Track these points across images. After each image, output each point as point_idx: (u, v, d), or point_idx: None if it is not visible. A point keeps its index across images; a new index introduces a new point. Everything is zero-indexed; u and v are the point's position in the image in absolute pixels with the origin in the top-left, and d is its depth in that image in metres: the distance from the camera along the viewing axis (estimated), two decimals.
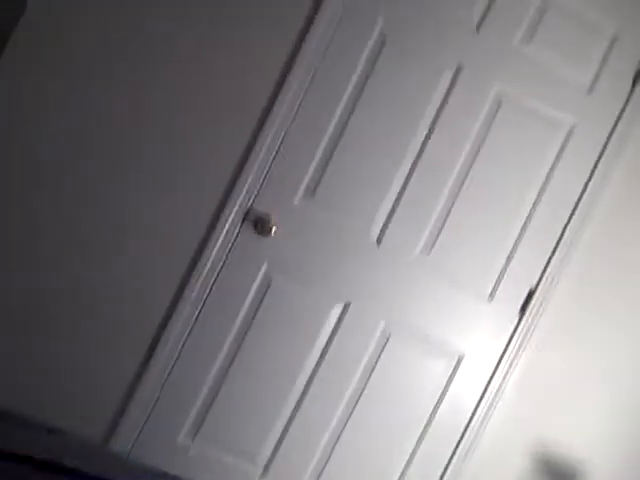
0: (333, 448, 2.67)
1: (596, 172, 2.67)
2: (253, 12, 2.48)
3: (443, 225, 2.64)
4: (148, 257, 2.50)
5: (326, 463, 2.67)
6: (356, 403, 2.66)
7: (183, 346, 2.55)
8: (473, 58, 2.59)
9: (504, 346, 2.70)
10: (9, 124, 2.39)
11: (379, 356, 2.66)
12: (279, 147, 2.54)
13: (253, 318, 2.59)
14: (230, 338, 2.59)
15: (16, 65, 2.37)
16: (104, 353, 2.52)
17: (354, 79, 2.56)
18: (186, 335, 2.55)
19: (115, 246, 2.49)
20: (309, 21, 2.49)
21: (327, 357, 2.63)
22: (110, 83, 2.44)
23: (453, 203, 2.64)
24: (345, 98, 2.56)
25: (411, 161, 2.61)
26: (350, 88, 2.56)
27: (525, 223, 2.67)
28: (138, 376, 2.53)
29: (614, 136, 2.66)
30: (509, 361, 2.69)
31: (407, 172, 2.61)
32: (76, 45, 2.40)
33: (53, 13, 2.37)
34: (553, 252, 2.68)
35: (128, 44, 2.43)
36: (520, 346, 2.68)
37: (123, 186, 2.48)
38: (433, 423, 2.70)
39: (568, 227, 2.68)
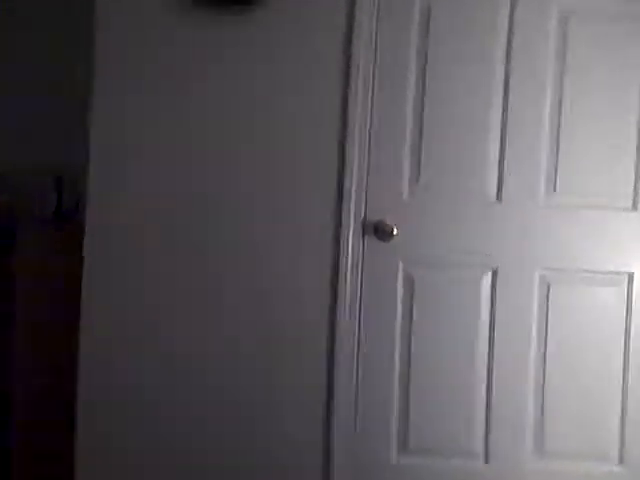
0: (542, 414, 2.59)
1: None
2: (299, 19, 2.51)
3: (557, 156, 2.55)
4: (290, 298, 2.54)
5: (542, 432, 2.59)
6: (544, 363, 2.58)
7: (357, 370, 2.57)
8: None
9: None
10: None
11: (547, 308, 2.57)
12: (368, 152, 2.53)
13: (411, 318, 2.57)
14: (397, 346, 2.58)
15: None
16: (287, 404, 2.57)
17: (413, 53, 2.52)
18: (355, 360, 2.56)
19: (262, 297, 2.55)
20: (350, 21, 2.49)
21: (497, 328, 2.57)
22: (205, 103, 2.50)
23: (558, 130, 2.55)
24: (412, 74, 2.53)
25: (500, 108, 2.54)
26: (413, 63, 2.52)
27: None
28: (327, 413, 2.56)
29: None
30: None
31: (500, 121, 2.54)
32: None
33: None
34: None
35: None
36: None
37: (246, 231, 2.54)
38: (631, 348, 2.57)
39: None
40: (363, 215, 2.55)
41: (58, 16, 3.07)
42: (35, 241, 2.78)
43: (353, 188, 2.52)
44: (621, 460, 2.60)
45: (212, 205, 2.51)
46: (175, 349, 2.51)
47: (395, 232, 2.53)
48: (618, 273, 2.57)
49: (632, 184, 2.56)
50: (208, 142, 2.50)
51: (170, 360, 2.51)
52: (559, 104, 2.54)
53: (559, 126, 2.55)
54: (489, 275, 2.57)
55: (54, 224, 2.93)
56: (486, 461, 2.60)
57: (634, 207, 2.56)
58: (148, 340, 2.50)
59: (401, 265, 2.57)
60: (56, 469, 2.71)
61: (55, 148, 2.99)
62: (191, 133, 2.49)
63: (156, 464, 2.51)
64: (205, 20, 2.47)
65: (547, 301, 2.57)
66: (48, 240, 2.80)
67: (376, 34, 2.51)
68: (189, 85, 2.48)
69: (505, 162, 2.55)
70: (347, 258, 2.53)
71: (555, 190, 2.56)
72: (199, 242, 2.51)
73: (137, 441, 2.50)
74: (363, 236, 2.55)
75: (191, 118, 2.49)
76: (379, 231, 2.54)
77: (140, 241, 2.48)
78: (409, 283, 2.57)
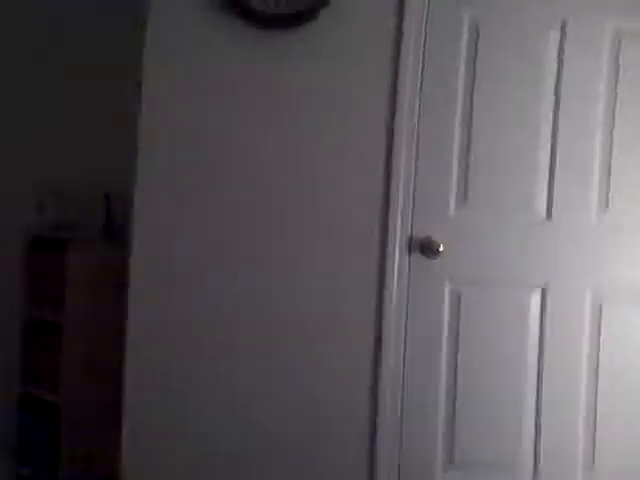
0: (594, 432, 2.54)
1: None
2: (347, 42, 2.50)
3: (609, 172, 2.50)
4: (336, 314, 2.54)
5: (593, 448, 2.54)
6: (596, 381, 2.53)
7: (404, 387, 2.54)
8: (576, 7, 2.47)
9: None
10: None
11: (599, 328, 2.52)
12: (415, 168, 2.51)
13: (457, 336, 2.54)
14: (444, 364, 2.54)
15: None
16: (332, 420, 2.56)
17: (462, 73, 2.49)
18: (402, 376, 2.54)
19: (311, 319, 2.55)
20: (397, 44, 2.47)
21: (546, 346, 2.53)
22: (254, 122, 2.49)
23: (610, 151, 2.51)
24: (460, 95, 2.50)
25: (550, 124, 2.50)
26: (461, 83, 2.50)
27: None
28: (373, 429, 2.54)
29: None
30: None
31: (550, 139, 2.50)
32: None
33: None
34: None
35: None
36: None
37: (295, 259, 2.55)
38: None
39: None
40: (410, 234, 2.52)
41: (109, 32, 3.11)
42: (84, 256, 2.84)
43: (399, 206, 2.49)
44: None
45: (258, 221, 2.52)
46: (218, 360, 2.53)
47: (441, 249, 2.50)
48: None
49: None
50: (257, 159, 2.51)
51: (213, 364, 2.52)
52: (612, 118, 2.49)
53: (611, 141, 2.50)
54: (538, 293, 2.53)
55: (103, 239, 2.97)
56: (534, 478, 2.55)
57: None
58: (192, 352, 2.52)
59: (447, 283, 2.54)
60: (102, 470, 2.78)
61: (106, 164, 3.03)
62: (237, 152, 2.50)
63: (201, 466, 2.52)
64: (253, 37, 2.48)
65: (600, 320, 2.52)
66: (97, 255, 2.86)
67: (424, 49, 2.48)
68: (239, 102, 2.49)
69: (555, 179, 2.51)
70: (393, 279, 2.50)
71: (607, 207, 2.51)
72: (245, 261, 2.52)
73: (183, 444, 2.51)
74: (409, 256, 2.53)
75: (239, 140, 2.50)
76: (425, 249, 2.51)
77: (187, 263, 2.50)
78: (456, 301, 2.54)
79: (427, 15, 2.48)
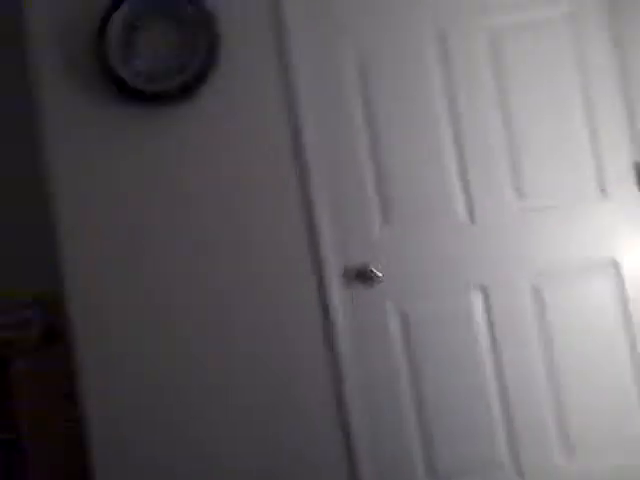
0: (563, 410, 2.59)
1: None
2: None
3: (519, 166, 2.59)
4: (287, 362, 2.54)
5: (568, 432, 2.60)
6: (552, 364, 2.59)
7: (372, 410, 2.56)
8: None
9: None
10: None
11: (543, 311, 2.59)
12: (334, 203, 2.55)
13: (413, 355, 2.56)
14: (406, 379, 2.57)
15: None
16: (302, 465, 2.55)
17: (358, 101, 2.56)
18: (365, 409, 2.56)
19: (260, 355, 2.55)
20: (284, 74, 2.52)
21: (499, 344, 2.57)
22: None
23: (513, 143, 2.59)
24: (359, 119, 2.56)
25: (451, 134, 2.58)
26: (358, 109, 2.56)
27: (588, 115, 2.59)
28: (350, 462, 2.54)
29: None
30: None
31: (455, 147, 2.58)
32: None
33: None
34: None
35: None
36: None
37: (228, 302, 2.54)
38: (633, 333, 2.59)
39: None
40: (343, 266, 2.55)
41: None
42: (28, 365, 2.77)
43: (325, 241, 2.52)
44: None
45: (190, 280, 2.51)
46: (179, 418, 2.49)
47: (378, 273, 2.53)
48: (605, 263, 2.59)
49: (595, 174, 2.59)
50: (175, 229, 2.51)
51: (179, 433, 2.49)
52: (509, 119, 2.59)
53: (513, 137, 2.58)
54: (479, 294, 2.58)
55: (44, 345, 2.91)
56: (518, 473, 2.59)
57: (603, 195, 2.59)
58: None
59: (391, 304, 2.57)
60: None
61: (36, 272, 2.99)
62: (157, 222, 2.50)
63: None
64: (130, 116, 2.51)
65: (543, 307, 2.59)
66: (40, 362, 2.79)
67: (316, 82, 2.54)
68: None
69: (470, 184, 2.57)
70: (337, 314, 2.52)
71: (524, 196, 2.59)
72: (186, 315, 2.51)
73: None
74: (350, 286, 2.55)
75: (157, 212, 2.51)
76: (362, 277, 2.54)
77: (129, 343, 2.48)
78: (403, 320, 2.57)
79: (313, 51, 2.54)
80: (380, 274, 2.53)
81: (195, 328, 2.50)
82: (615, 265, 2.59)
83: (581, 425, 2.59)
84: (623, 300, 2.59)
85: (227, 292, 2.51)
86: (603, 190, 2.59)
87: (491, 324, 2.58)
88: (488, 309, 2.58)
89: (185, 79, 2.43)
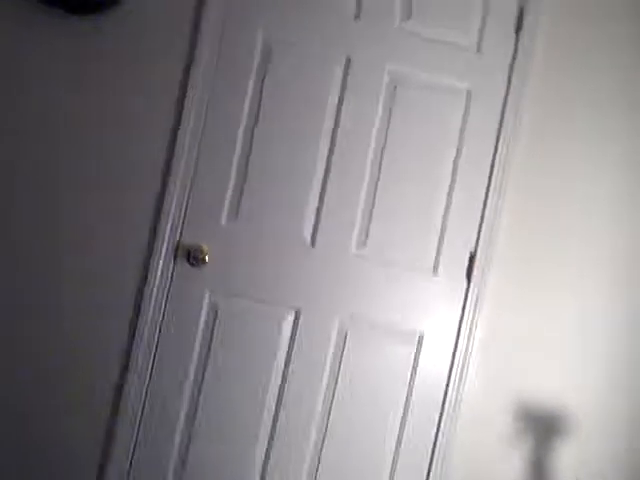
0: (320, 455, 2.68)
1: (502, 130, 2.70)
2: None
3: (371, 214, 2.67)
4: (92, 309, 2.50)
5: (316, 473, 2.69)
6: (331, 406, 2.68)
7: (146, 395, 2.56)
8: (359, 47, 2.63)
9: (460, 314, 2.73)
10: None
11: (342, 354, 2.68)
12: (192, 178, 2.56)
13: (209, 349, 2.60)
14: (191, 374, 2.60)
15: None
16: (68, 419, 2.51)
17: (249, 95, 2.59)
18: (146, 383, 2.55)
19: (55, 304, 2.49)
20: (192, 51, 2.53)
21: (292, 367, 2.65)
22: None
23: (375, 190, 2.67)
24: (245, 115, 2.59)
25: (324, 160, 2.64)
26: (247, 105, 2.59)
27: (449, 193, 2.70)
28: (109, 435, 2.52)
29: (511, 89, 2.69)
30: (468, 327, 2.71)
31: (323, 171, 2.64)
32: None
33: None
34: (482, 214, 2.72)
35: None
36: (475, 310, 2.71)
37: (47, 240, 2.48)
38: (411, 406, 2.72)
39: (491, 188, 2.70)
40: (178, 239, 2.56)
41: None
42: None
43: (172, 211, 2.53)
44: None
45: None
46: None
47: (207, 259, 2.55)
48: (411, 332, 2.71)
49: (434, 251, 2.72)
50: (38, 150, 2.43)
51: None
52: (378, 167, 2.66)
53: (375, 188, 2.67)
54: (292, 315, 2.65)
55: None
56: None
57: (434, 273, 2.72)
58: None
59: (208, 294, 2.59)
60: None
61: None
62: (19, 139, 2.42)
63: None
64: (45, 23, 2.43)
65: (343, 346, 2.68)
66: None
67: (217, 63, 2.56)
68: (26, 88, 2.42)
69: (323, 210, 2.64)
70: (155, 282, 2.53)
71: (365, 246, 2.68)
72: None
73: None
74: (175, 261, 2.56)
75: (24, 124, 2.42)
76: (191, 257, 2.55)
77: None
78: (213, 313, 2.60)
79: (223, 32, 2.56)
80: (207, 259, 2.55)
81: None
82: (420, 338, 2.72)
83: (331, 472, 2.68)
84: (414, 371, 2.72)
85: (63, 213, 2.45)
86: (436, 269, 2.73)
87: (291, 350, 2.65)
88: (294, 333, 2.65)
89: None
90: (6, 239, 2.47)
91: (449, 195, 2.71)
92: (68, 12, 2.44)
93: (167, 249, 2.54)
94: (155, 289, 2.53)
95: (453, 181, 2.70)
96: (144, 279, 2.53)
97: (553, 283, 2.76)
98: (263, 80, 2.59)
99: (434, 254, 2.72)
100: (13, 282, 2.47)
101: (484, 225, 2.71)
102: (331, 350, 2.68)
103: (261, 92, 2.59)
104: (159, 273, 2.53)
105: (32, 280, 2.48)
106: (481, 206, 2.72)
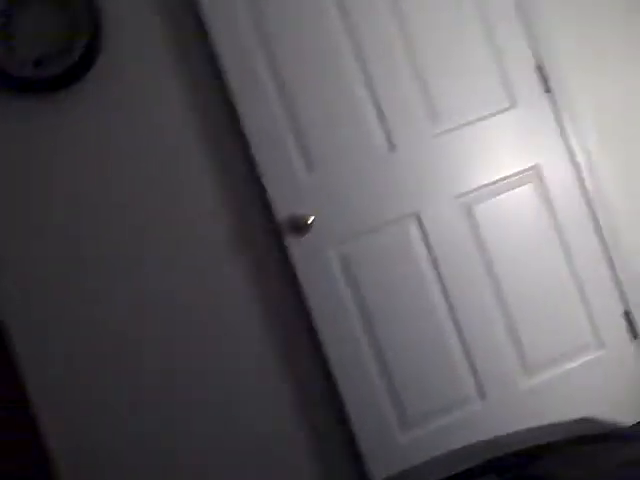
0: (513, 328, 2.60)
1: None
2: None
3: (429, 92, 2.61)
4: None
5: (523, 351, 2.61)
6: (497, 281, 2.59)
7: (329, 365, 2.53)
8: None
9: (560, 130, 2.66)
10: None
11: (478, 231, 2.61)
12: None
13: (363, 297, 2.54)
14: (360, 325, 2.54)
15: None
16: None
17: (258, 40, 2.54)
18: (322, 356, 2.53)
19: None
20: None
21: (441, 267, 2.57)
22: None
23: (415, 64, 2.61)
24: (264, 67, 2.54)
25: (358, 69, 2.58)
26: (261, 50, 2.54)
27: (488, 34, 2.64)
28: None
29: None
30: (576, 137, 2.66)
31: (363, 78, 2.59)
32: None
33: None
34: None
35: None
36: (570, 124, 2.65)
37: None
38: (565, 234, 2.64)
39: None
40: (273, 218, 2.53)
41: None
42: None
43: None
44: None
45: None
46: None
47: (311, 221, 2.49)
48: (524, 170, 2.63)
49: (500, 83, 2.64)
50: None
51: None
52: (411, 43, 2.60)
53: (415, 61, 2.61)
54: (414, 221, 2.58)
55: None
56: (482, 399, 2.58)
57: (511, 104, 2.64)
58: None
59: (332, 251, 2.53)
60: None
61: None
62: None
63: None
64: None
65: (477, 226, 2.60)
66: None
67: None
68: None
69: (384, 114, 2.57)
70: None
71: (441, 120, 2.60)
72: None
73: None
74: (284, 238, 2.51)
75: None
76: (296, 227, 2.49)
77: None
78: (344, 262, 2.54)
79: None
80: (311, 220, 2.49)
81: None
82: (537, 171, 2.64)
83: (534, 341, 2.60)
84: (549, 202, 2.64)
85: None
86: (511, 98, 2.64)
87: (430, 250, 2.58)
88: (424, 236, 2.58)
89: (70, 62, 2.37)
90: None
91: (488, 37, 2.64)
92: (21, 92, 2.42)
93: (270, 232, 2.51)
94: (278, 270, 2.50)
95: (488, 25, 2.65)
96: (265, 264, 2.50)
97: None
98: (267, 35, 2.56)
99: (503, 88, 2.64)
100: None
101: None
102: (466, 231, 2.60)
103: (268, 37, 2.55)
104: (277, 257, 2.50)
105: None
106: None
